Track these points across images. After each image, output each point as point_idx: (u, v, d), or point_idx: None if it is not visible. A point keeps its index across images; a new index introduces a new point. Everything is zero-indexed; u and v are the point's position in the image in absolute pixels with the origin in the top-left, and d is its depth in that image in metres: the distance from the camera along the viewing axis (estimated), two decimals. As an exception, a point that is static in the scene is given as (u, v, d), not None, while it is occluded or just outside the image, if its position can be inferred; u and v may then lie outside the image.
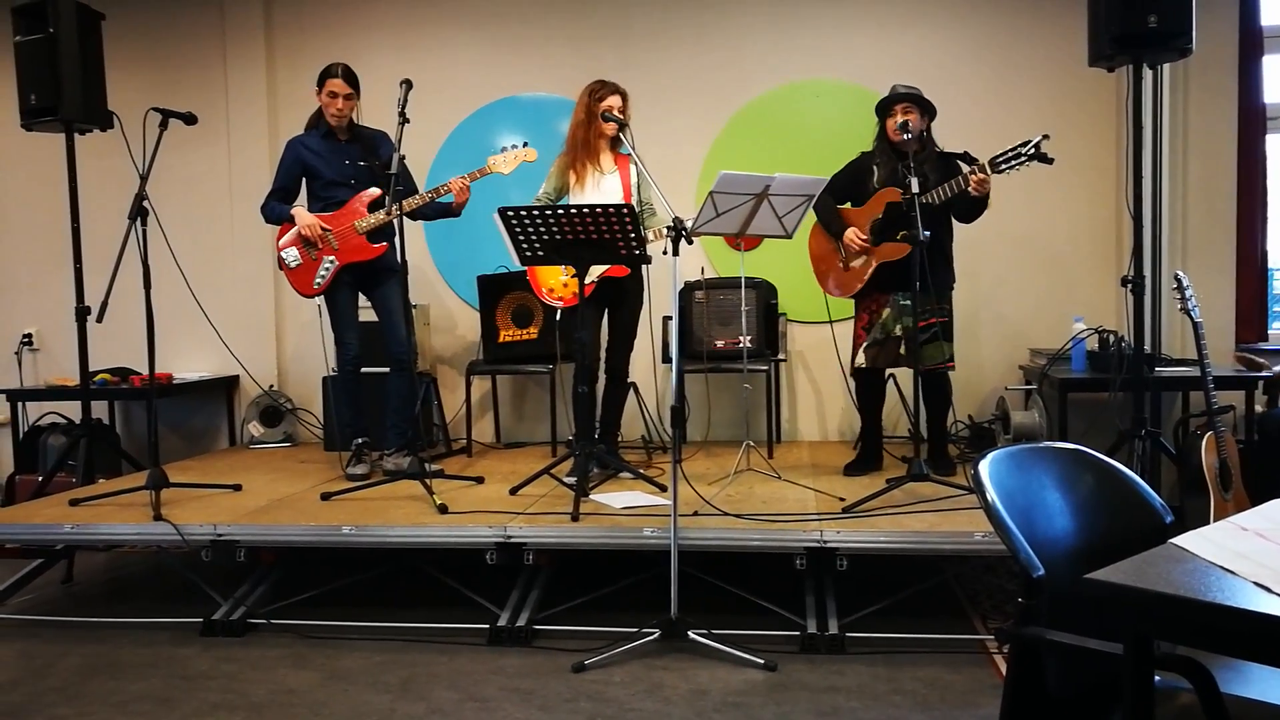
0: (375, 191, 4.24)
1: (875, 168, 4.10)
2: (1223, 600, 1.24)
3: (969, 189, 3.76)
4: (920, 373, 3.90)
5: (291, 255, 4.29)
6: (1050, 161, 3.65)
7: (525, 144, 4.22)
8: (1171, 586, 1.29)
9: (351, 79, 4.30)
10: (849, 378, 4.28)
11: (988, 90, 5.13)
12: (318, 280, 4.28)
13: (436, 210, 4.33)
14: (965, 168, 3.84)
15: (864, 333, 4.15)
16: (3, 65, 5.16)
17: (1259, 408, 4.49)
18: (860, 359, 4.15)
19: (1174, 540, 1.49)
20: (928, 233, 3.57)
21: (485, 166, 4.20)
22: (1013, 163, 3.67)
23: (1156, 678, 1.44)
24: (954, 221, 4.11)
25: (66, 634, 3.62)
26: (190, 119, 4.03)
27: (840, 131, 4.94)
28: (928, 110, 4.03)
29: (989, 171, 3.73)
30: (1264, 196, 4.98)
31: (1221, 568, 1.35)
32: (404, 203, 4.00)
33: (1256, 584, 1.28)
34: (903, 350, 4.05)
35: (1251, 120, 4.91)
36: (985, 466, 1.73)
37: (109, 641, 3.51)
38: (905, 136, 3.78)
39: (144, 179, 3.86)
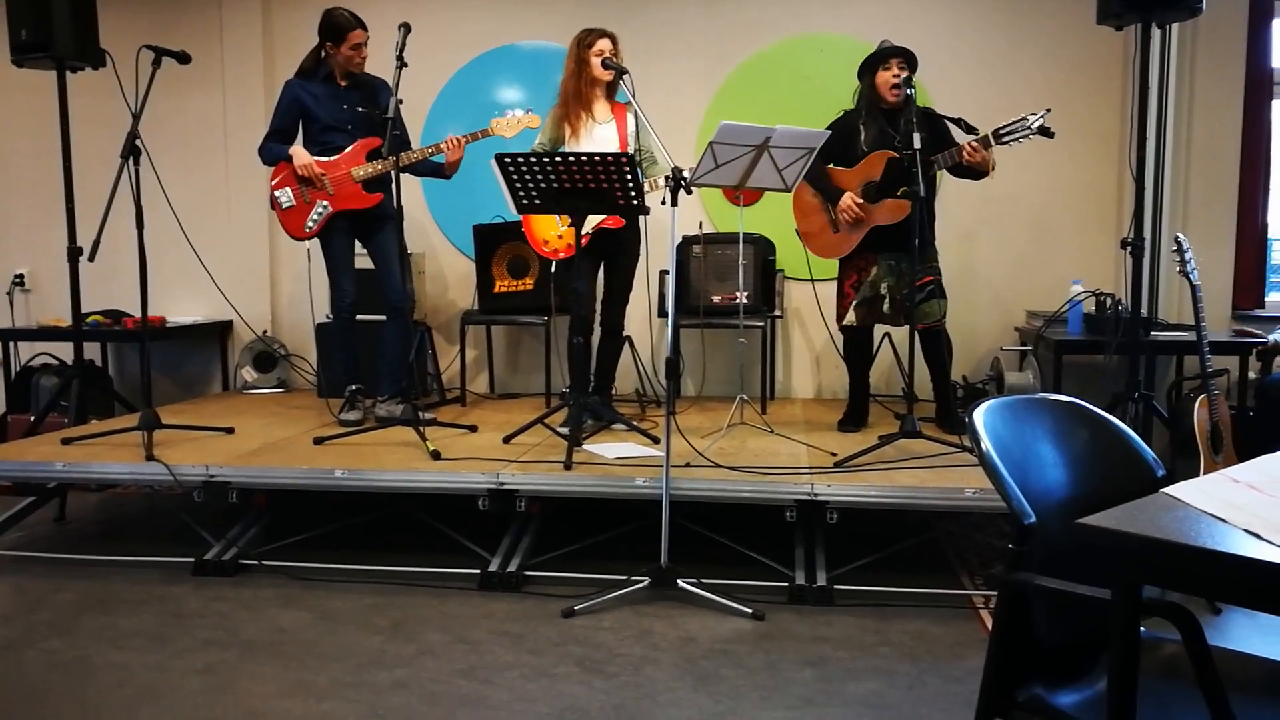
0: (375, 140, 4.19)
1: (862, 127, 4.04)
2: (1214, 546, 1.24)
3: (962, 159, 3.75)
4: (918, 331, 3.89)
5: (285, 196, 4.25)
6: (1051, 135, 3.64)
7: (529, 110, 4.18)
8: (1163, 532, 1.29)
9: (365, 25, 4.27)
10: (835, 334, 4.29)
11: (991, 48, 5.07)
12: (309, 224, 4.25)
13: (428, 169, 4.30)
14: (963, 135, 3.81)
15: (852, 291, 4.13)
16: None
17: (1252, 374, 4.50)
18: (850, 317, 4.13)
19: (1166, 489, 1.50)
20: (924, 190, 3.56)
21: (488, 128, 4.16)
22: (1016, 135, 3.66)
23: (1142, 628, 1.45)
24: (937, 182, 4.07)
25: (59, 570, 3.64)
26: (184, 58, 3.98)
27: (842, 87, 4.86)
28: (913, 64, 3.98)
29: (992, 143, 3.70)
30: (1267, 164, 4.94)
31: (1213, 516, 1.35)
32: (401, 155, 3.96)
33: (1247, 531, 1.28)
34: (887, 308, 4.05)
35: (1258, 84, 4.87)
36: (980, 415, 1.73)
37: (101, 579, 3.53)
38: (909, 92, 3.73)
39: (136, 117, 3.81)
